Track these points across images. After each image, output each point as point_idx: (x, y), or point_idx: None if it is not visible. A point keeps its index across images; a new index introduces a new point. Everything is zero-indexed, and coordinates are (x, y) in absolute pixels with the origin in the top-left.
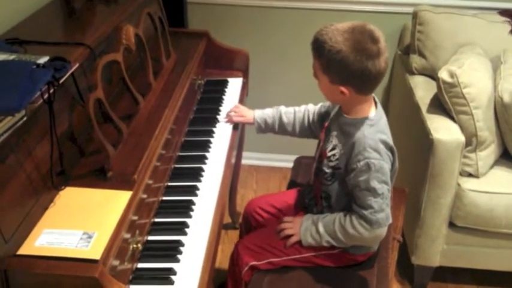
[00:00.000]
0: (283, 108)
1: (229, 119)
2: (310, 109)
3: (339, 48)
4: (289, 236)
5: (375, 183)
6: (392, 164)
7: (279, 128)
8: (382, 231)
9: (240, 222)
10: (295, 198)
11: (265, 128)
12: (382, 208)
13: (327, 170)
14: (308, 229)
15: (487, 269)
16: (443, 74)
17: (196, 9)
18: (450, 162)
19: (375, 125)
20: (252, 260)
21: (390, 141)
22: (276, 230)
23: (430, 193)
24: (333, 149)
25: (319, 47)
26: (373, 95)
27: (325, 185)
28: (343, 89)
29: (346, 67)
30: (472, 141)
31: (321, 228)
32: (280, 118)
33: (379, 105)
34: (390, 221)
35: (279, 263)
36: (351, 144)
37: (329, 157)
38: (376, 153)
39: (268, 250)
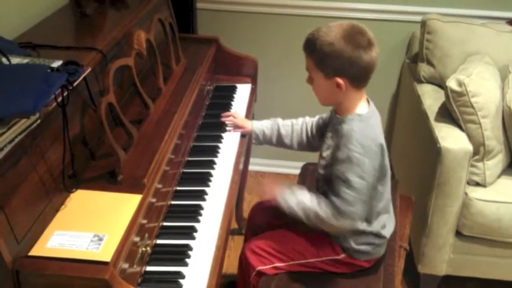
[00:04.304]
0: (280, 121)
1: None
2: (307, 121)
3: (330, 40)
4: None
5: (352, 176)
6: (382, 163)
7: (277, 140)
8: (351, 223)
9: (245, 226)
10: None
11: (263, 139)
12: (354, 202)
13: (321, 172)
14: (287, 198)
15: (493, 279)
16: (451, 83)
17: (205, 16)
18: (458, 171)
19: (364, 121)
20: (259, 265)
21: (380, 138)
22: (256, 191)
23: (437, 202)
24: (328, 148)
25: (310, 43)
26: (366, 96)
27: (322, 189)
28: (339, 80)
29: (339, 56)
30: (479, 150)
31: (296, 200)
32: (278, 130)
33: (371, 104)
34: (362, 217)
35: (285, 268)
36: (340, 138)
37: (324, 157)
38: (361, 147)
39: (273, 255)
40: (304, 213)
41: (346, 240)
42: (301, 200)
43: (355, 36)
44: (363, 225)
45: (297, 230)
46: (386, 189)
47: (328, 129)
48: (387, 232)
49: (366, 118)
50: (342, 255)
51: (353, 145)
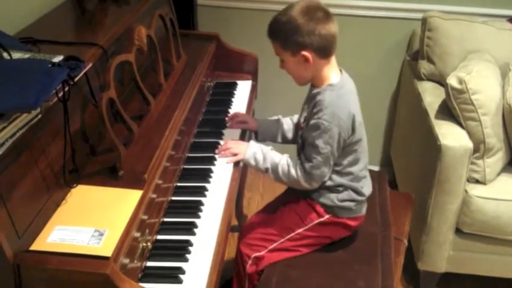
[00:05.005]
0: (281, 117)
1: (231, 125)
2: None
3: (288, 18)
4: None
5: (319, 142)
6: (352, 131)
7: (281, 135)
8: (314, 184)
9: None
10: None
11: (267, 132)
12: (319, 166)
13: (300, 141)
14: (255, 153)
15: (493, 276)
16: (452, 80)
17: (205, 12)
18: (458, 168)
19: (336, 91)
20: (253, 253)
21: (352, 108)
22: (219, 149)
23: (437, 199)
24: (304, 120)
25: (273, 28)
26: (339, 67)
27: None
28: (304, 53)
29: (298, 30)
30: (479, 148)
31: (263, 156)
32: (282, 125)
33: (344, 73)
34: (325, 179)
35: (278, 247)
36: (313, 107)
37: (302, 128)
38: (330, 116)
39: (265, 239)
40: (272, 168)
41: (329, 198)
42: (270, 156)
43: (310, 10)
44: (338, 179)
45: (281, 207)
46: (362, 155)
47: (304, 102)
48: (366, 191)
49: (337, 88)
50: (327, 217)
51: (323, 113)
